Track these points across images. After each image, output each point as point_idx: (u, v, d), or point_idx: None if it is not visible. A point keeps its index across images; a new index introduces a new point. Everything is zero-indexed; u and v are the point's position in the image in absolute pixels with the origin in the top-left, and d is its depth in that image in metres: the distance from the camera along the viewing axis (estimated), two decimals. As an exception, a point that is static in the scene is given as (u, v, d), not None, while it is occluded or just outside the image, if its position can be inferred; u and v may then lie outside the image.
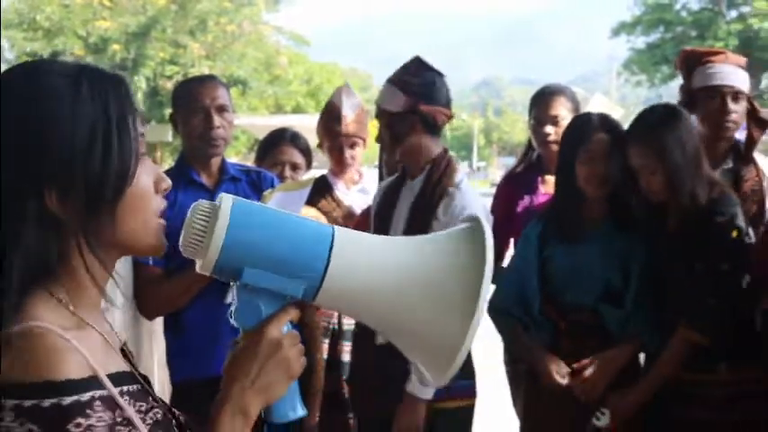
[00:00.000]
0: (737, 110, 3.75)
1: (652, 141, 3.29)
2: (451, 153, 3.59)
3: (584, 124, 3.50)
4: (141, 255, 1.38)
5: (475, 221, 1.43)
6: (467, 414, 3.51)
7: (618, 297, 3.43)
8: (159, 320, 3.72)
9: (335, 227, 1.41)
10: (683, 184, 3.30)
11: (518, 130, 78.94)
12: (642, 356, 3.52)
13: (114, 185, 1.30)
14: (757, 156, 3.88)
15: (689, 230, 3.33)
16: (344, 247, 1.37)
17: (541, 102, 4.14)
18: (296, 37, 32.25)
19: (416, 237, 1.48)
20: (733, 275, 3.29)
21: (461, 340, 1.30)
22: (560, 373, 3.42)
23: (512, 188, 4.20)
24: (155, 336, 3.86)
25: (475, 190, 3.56)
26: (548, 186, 3.93)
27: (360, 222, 4.04)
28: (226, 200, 1.37)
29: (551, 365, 3.43)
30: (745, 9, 35.27)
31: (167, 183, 1.40)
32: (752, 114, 3.84)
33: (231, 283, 1.40)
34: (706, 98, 3.76)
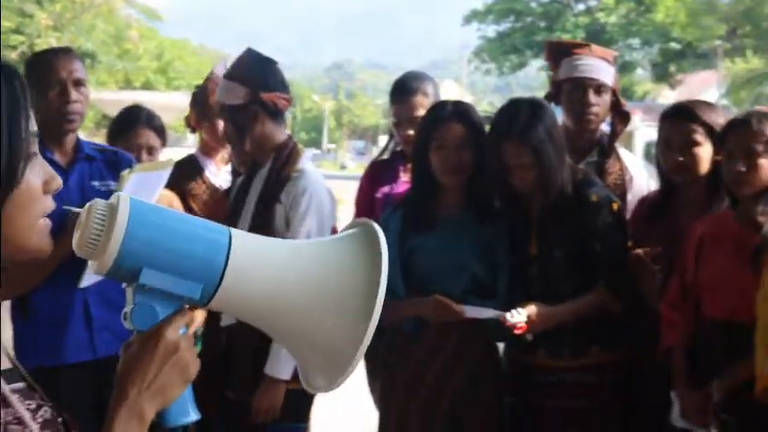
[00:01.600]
0: (600, 103, 3.81)
1: (527, 140, 3.30)
2: (300, 136, 3.58)
3: (438, 113, 3.50)
4: (26, 256, 1.30)
5: (367, 225, 1.41)
6: None
7: (484, 288, 3.43)
8: (6, 306, 3.54)
9: (232, 229, 1.38)
10: (555, 179, 3.35)
11: (368, 113, 79.27)
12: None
13: (0, 189, 1.23)
14: (621, 150, 3.96)
15: (559, 217, 3.39)
16: (242, 249, 1.36)
17: (403, 101, 4.04)
18: (147, 11, 31.50)
19: (314, 240, 1.50)
20: (625, 245, 3.42)
21: (356, 346, 1.29)
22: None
23: (375, 176, 4.16)
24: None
25: (320, 173, 3.61)
26: (409, 175, 3.91)
27: (216, 207, 3.97)
28: (123, 200, 1.33)
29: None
30: (593, 3, 36.32)
31: (58, 182, 1.33)
32: (616, 108, 3.90)
33: (124, 285, 1.37)
34: (570, 90, 3.82)
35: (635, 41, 32.41)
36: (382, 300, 1.30)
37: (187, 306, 1.38)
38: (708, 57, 34.52)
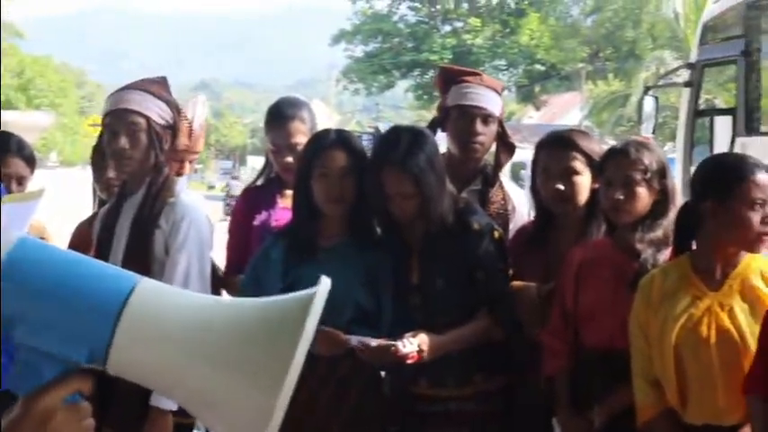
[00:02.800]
0: (486, 132, 3.79)
1: (408, 168, 3.25)
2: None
3: (320, 141, 3.44)
4: None
5: (304, 297, 1.25)
6: None
7: (368, 317, 3.37)
8: None
9: (142, 278, 1.20)
10: (436, 208, 3.31)
11: (236, 132, 78.75)
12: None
13: None
14: (504, 180, 3.96)
15: (440, 245, 3.36)
16: (143, 304, 1.16)
17: (279, 127, 3.90)
18: (8, 27, 30.62)
19: (228, 299, 1.29)
20: (506, 273, 3.42)
21: (267, 416, 1.12)
22: None
23: (250, 203, 4.04)
24: None
25: (197, 197, 3.50)
26: (287, 201, 3.82)
27: (80, 235, 3.81)
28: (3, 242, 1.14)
29: None
30: (459, 24, 36.89)
31: None
32: (501, 138, 3.91)
33: None
34: (457, 117, 3.79)
35: (501, 63, 33.05)
36: (295, 376, 1.16)
37: (79, 369, 1.18)
38: (571, 79, 35.45)
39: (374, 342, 3.19)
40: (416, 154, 3.26)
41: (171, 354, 1.16)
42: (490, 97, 3.82)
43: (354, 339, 3.22)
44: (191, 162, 4.03)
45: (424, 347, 3.20)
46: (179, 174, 3.78)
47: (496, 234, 3.43)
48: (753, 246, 2.92)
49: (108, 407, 3.39)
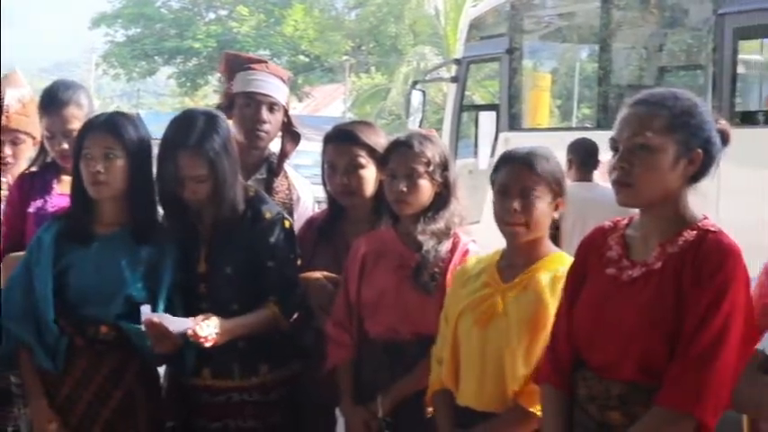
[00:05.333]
0: (272, 120, 3.79)
1: (203, 151, 3.22)
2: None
3: (89, 123, 3.36)
4: None
5: None
6: None
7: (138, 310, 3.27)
8: None
9: None
10: (229, 193, 3.29)
11: None
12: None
13: None
14: (289, 169, 3.96)
15: (231, 233, 3.34)
16: None
17: (55, 113, 3.73)
18: None
19: None
20: (296, 263, 3.42)
21: None
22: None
23: (25, 189, 3.84)
24: None
25: None
26: (64, 186, 3.65)
27: None
28: None
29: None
30: (223, 12, 36.49)
31: None
32: (287, 127, 3.89)
33: None
34: (243, 104, 3.77)
35: (266, 53, 32.88)
36: None
37: None
38: (334, 71, 35.79)
39: (185, 324, 3.13)
40: (212, 137, 3.23)
41: None
42: (276, 85, 3.81)
43: (168, 322, 3.13)
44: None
45: (218, 330, 3.16)
46: None
47: (287, 224, 3.43)
48: (505, 235, 2.99)
49: None
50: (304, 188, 3.98)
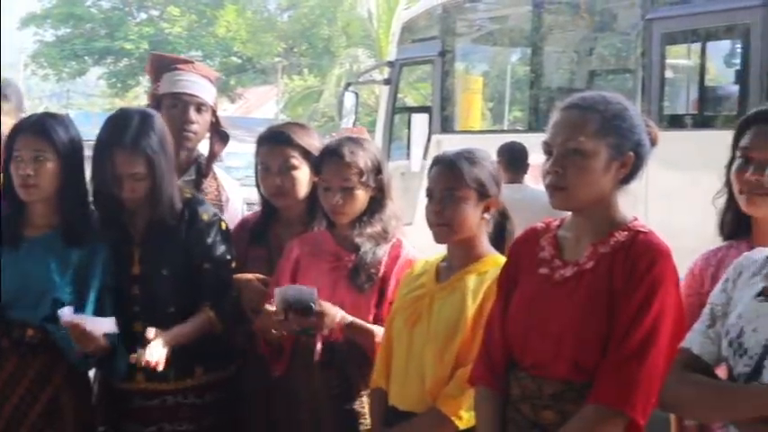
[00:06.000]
0: (200, 121, 3.78)
1: (141, 149, 3.21)
2: None
3: (19, 124, 3.34)
4: None
5: None
6: None
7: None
8: None
9: None
10: (166, 192, 3.28)
11: None
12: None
13: None
14: (218, 170, 3.95)
15: (166, 234, 3.32)
16: None
17: None
18: None
19: None
20: (231, 264, 3.42)
21: None
22: None
23: None
24: None
25: None
26: None
27: None
28: None
29: None
30: (155, 13, 36.16)
31: None
32: (215, 128, 3.89)
33: None
34: (170, 105, 3.75)
35: (198, 54, 32.65)
36: None
37: None
38: (267, 72, 35.66)
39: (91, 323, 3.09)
40: (148, 135, 3.22)
41: None
42: (203, 85, 3.81)
43: (75, 318, 3.09)
44: None
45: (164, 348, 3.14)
46: None
47: (223, 225, 3.43)
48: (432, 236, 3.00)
49: None
50: (233, 189, 3.98)
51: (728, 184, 2.71)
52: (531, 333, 2.55)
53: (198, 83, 3.78)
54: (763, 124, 2.66)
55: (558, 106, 2.59)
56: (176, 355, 3.27)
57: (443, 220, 2.91)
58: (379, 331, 3.17)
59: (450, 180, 2.91)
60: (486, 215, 2.97)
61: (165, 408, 3.34)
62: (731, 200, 2.71)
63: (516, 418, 2.57)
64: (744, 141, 2.65)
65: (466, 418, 2.83)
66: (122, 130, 3.23)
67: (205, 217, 3.37)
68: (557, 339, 2.49)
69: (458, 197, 2.90)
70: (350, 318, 3.16)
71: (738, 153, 2.66)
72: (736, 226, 2.73)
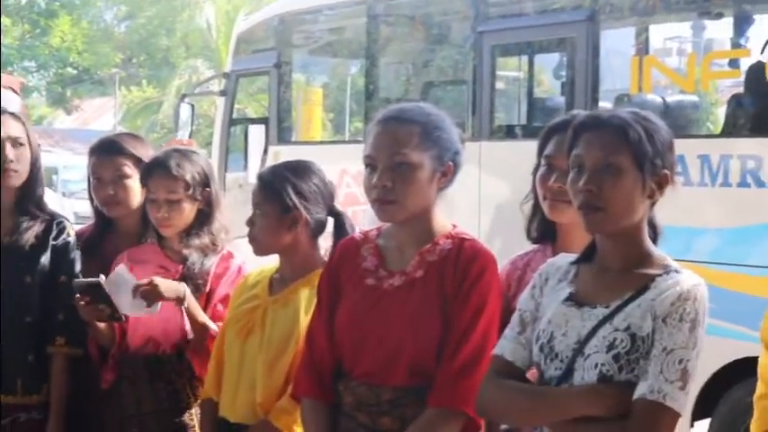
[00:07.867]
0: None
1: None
2: None
3: None
4: None
5: None
6: None
7: None
8: None
9: None
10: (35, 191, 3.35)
11: None
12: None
13: None
14: None
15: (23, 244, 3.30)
16: None
17: None
18: None
19: None
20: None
21: None
22: None
23: None
24: None
25: None
26: None
27: None
28: None
29: None
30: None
31: None
32: None
33: None
34: None
35: (31, 64, 31.70)
36: None
37: None
38: (104, 83, 34.92)
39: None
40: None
41: None
42: (7, 97, 3.81)
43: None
44: None
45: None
46: None
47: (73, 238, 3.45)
48: None
49: None
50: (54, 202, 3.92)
51: (535, 190, 2.77)
52: (365, 342, 2.57)
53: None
54: (566, 133, 2.75)
55: (375, 118, 2.62)
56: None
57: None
58: (213, 327, 3.19)
59: (256, 196, 3.01)
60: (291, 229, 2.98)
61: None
62: (537, 206, 2.77)
63: (351, 427, 2.59)
64: (548, 150, 2.71)
65: None
66: None
67: (70, 231, 3.42)
68: (394, 347, 2.53)
69: (257, 215, 2.99)
70: (192, 299, 3.19)
71: (543, 161, 2.72)
72: (542, 231, 2.80)
